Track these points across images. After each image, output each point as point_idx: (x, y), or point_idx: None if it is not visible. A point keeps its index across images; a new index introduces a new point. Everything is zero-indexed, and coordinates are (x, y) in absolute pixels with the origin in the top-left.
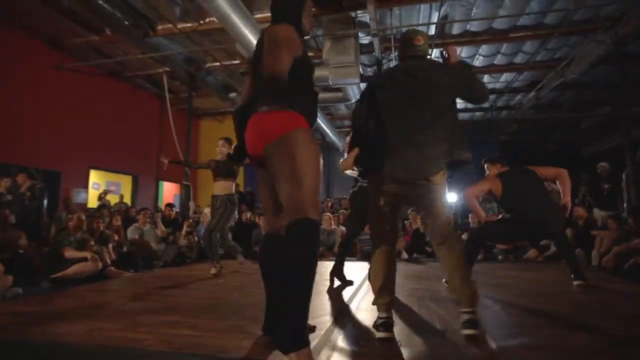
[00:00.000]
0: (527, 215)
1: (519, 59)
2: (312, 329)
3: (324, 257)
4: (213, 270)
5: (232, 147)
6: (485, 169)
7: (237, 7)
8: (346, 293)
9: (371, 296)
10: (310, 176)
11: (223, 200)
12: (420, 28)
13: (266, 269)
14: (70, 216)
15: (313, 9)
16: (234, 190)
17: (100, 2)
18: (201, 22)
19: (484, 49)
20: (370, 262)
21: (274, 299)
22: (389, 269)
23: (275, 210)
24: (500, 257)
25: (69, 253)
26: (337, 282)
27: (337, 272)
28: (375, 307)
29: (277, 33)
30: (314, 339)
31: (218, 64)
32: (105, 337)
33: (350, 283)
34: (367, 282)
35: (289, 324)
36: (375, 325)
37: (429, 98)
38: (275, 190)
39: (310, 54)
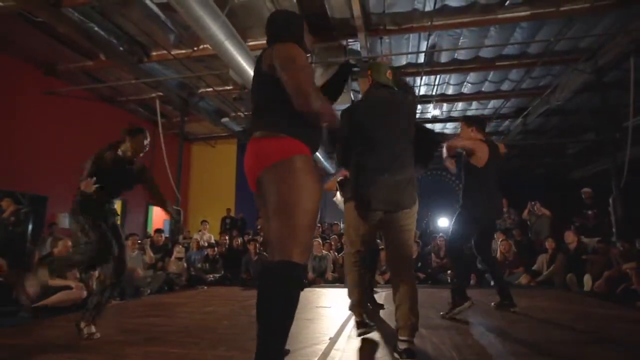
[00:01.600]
0: (492, 196)
1: (505, 86)
2: (286, 352)
3: (314, 283)
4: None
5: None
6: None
7: (231, 34)
8: (342, 317)
9: None
10: (301, 211)
11: None
12: (409, 56)
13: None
14: (55, 242)
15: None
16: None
17: (96, 28)
18: (195, 48)
19: (471, 76)
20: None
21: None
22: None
23: None
24: (492, 282)
25: (53, 281)
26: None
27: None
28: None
29: (290, 51)
30: None
31: (211, 89)
32: None
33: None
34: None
35: None
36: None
37: (403, 123)
38: None
39: None
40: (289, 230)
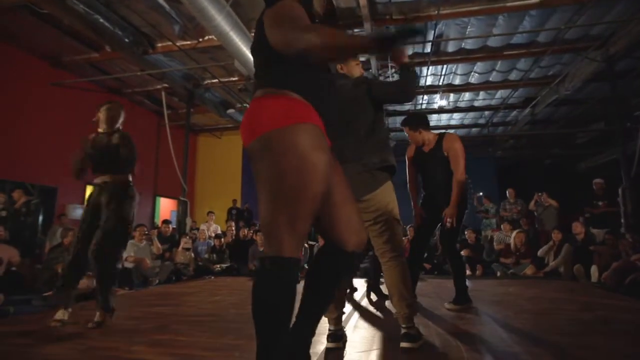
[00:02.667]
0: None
1: (513, 76)
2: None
3: None
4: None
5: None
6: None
7: (236, 25)
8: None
9: (370, 314)
10: (296, 198)
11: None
12: (415, 46)
13: None
14: (65, 232)
15: None
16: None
17: (102, 20)
18: (200, 39)
19: (479, 66)
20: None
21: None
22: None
23: None
24: (499, 273)
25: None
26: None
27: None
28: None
29: (275, 12)
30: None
31: (216, 80)
32: (99, 356)
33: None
34: (364, 300)
35: None
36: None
37: (355, 113)
38: None
39: None
40: (278, 218)
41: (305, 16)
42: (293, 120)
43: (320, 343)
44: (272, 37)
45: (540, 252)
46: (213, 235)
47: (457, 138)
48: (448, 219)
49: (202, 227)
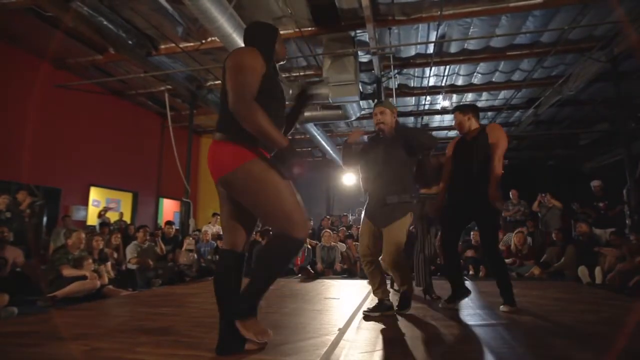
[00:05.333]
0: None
1: (516, 76)
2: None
3: (323, 275)
4: None
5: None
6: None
7: (238, 27)
8: (350, 309)
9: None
10: (276, 203)
11: None
12: (418, 47)
13: (219, 286)
14: (69, 233)
15: (313, 28)
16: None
17: (105, 22)
18: (203, 41)
19: (482, 66)
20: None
21: (226, 317)
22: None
23: (231, 229)
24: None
25: (67, 271)
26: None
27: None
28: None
29: (240, 56)
30: (319, 354)
31: (219, 82)
32: (103, 357)
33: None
34: (367, 301)
35: (247, 298)
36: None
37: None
38: (235, 208)
39: (310, 72)
40: (280, 217)
41: (257, 81)
42: (243, 160)
43: (331, 333)
44: (228, 88)
45: (546, 256)
46: (216, 236)
47: (501, 128)
48: (496, 202)
49: (205, 228)
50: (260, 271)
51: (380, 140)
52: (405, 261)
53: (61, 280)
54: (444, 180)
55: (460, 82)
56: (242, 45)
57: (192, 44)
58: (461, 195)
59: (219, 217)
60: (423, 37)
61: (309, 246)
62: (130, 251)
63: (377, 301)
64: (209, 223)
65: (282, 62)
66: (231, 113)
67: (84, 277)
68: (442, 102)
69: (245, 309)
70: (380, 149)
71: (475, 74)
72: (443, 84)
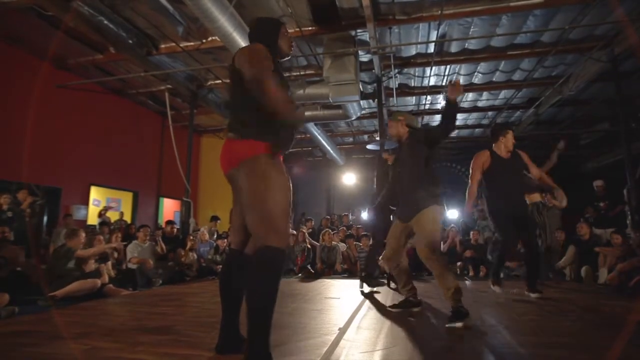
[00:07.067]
0: None
1: (517, 76)
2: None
3: (324, 275)
4: None
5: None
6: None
7: (239, 26)
8: (351, 308)
9: (372, 315)
10: (271, 200)
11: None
12: (418, 46)
13: (225, 285)
14: (69, 233)
15: (314, 28)
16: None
17: (106, 22)
18: (203, 40)
19: (482, 66)
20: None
21: (227, 316)
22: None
23: (240, 228)
24: (502, 274)
25: (81, 252)
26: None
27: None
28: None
29: (250, 49)
30: (320, 353)
31: (219, 81)
32: (102, 357)
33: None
34: (367, 301)
35: (254, 348)
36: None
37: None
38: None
39: (311, 71)
40: (263, 218)
41: (267, 57)
42: (259, 152)
43: (332, 333)
44: (251, 78)
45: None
46: (215, 236)
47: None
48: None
49: (202, 229)
50: (253, 303)
51: (400, 147)
52: (441, 257)
53: (61, 279)
54: (473, 192)
55: (460, 81)
56: (242, 44)
57: (192, 43)
58: (510, 205)
59: (218, 221)
60: (424, 37)
61: (309, 246)
62: (131, 250)
63: (402, 298)
64: (211, 228)
65: (286, 58)
66: (248, 110)
67: (104, 254)
68: (442, 101)
69: (261, 357)
70: (401, 154)
71: (475, 73)
72: (444, 84)
